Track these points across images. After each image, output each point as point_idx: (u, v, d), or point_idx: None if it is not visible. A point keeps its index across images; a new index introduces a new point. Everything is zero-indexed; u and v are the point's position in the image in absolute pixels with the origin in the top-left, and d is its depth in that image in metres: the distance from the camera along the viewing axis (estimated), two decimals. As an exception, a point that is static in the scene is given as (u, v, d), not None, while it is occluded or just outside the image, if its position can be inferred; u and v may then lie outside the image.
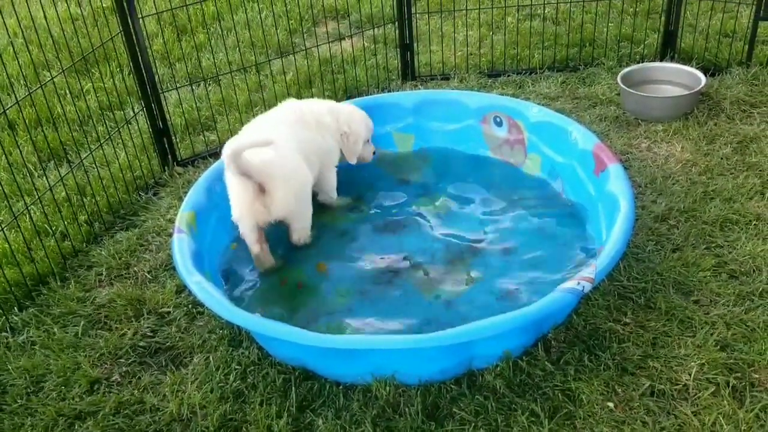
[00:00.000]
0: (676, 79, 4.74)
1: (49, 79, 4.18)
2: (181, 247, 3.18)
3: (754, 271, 3.30)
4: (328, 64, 5.34)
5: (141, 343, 3.25)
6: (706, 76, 4.61)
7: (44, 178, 4.29)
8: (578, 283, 2.81)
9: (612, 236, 3.04)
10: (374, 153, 4.08)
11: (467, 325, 2.72)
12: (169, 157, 4.49)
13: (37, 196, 3.87)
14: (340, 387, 2.91)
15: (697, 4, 5.35)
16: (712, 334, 2.99)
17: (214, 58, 5.57)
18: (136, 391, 3.01)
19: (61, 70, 4.11)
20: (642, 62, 4.99)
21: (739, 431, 2.62)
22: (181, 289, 3.49)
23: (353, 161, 3.95)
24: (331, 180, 3.89)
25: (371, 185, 4.10)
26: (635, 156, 4.20)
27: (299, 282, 3.47)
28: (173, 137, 4.53)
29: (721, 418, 2.66)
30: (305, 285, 3.44)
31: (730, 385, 2.78)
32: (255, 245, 3.46)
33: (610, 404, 2.75)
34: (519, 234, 3.62)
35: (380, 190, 4.07)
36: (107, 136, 4.36)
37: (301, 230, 3.59)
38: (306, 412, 2.84)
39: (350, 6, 6.13)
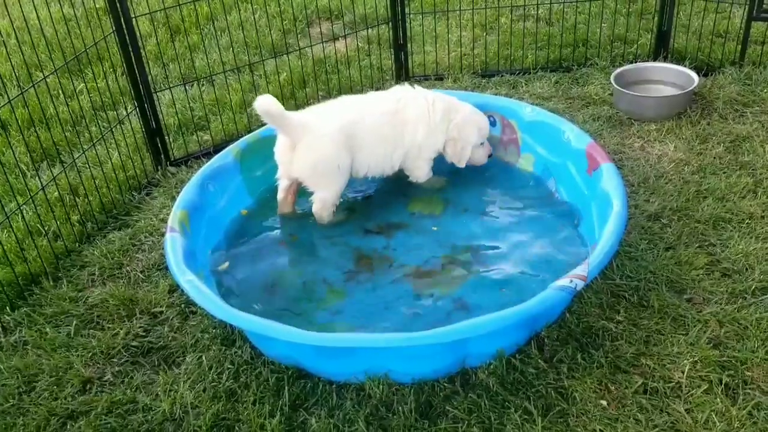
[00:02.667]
0: (668, 79, 4.75)
1: (41, 78, 4.16)
2: (173, 245, 3.17)
3: (746, 269, 3.31)
4: (322, 64, 5.34)
5: (133, 343, 3.23)
6: (699, 75, 4.63)
7: (37, 178, 4.27)
8: (571, 281, 2.81)
9: (605, 234, 3.04)
10: (490, 155, 4.07)
11: (461, 323, 2.72)
12: (162, 156, 4.48)
13: (29, 196, 3.85)
14: (334, 386, 2.91)
15: (690, 5, 5.36)
16: (704, 332, 3.00)
17: (207, 59, 5.56)
18: (128, 391, 2.99)
19: (53, 70, 4.10)
20: (635, 62, 5.00)
21: (731, 428, 2.63)
22: (174, 288, 3.48)
23: (461, 165, 3.97)
24: (419, 169, 3.97)
25: (364, 185, 4.09)
26: (628, 155, 4.21)
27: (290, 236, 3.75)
28: (166, 137, 4.52)
29: (713, 416, 2.67)
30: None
31: (723, 382, 2.79)
32: (281, 191, 3.84)
33: (603, 402, 2.76)
34: (512, 233, 3.62)
35: (373, 190, 4.07)
36: (100, 136, 4.35)
37: (319, 202, 3.72)
38: (299, 411, 2.83)
39: (344, 7, 6.13)
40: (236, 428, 2.79)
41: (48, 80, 5.13)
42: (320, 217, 3.75)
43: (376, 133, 3.75)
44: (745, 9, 4.83)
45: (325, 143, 3.62)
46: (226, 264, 3.44)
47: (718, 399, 2.73)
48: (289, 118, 3.59)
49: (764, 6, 4.66)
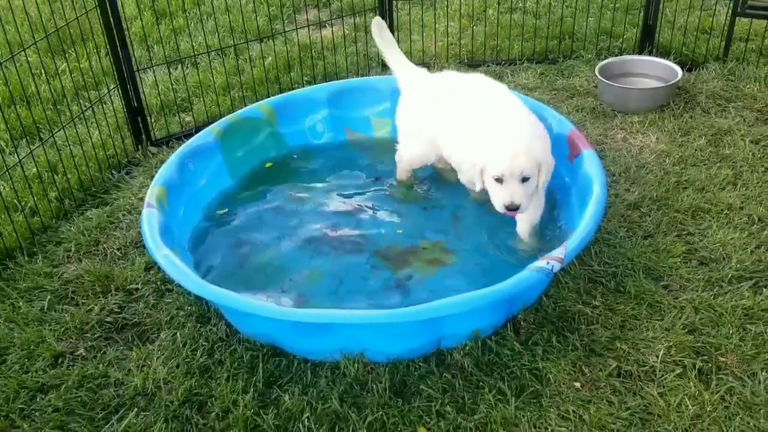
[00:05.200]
0: (653, 72, 4.77)
1: (18, 51, 4.10)
2: (150, 221, 3.15)
3: (724, 258, 3.32)
4: (307, 49, 5.31)
5: (108, 319, 3.20)
6: (683, 70, 4.64)
7: (15, 155, 4.22)
8: (548, 263, 2.81)
9: (583, 218, 3.05)
10: (513, 208, 3.10)
11: (437, 301, 2.71)
12: (143, 136, 4.45)
13: (5, 170, 3.80)
14: (309, 364, 2.89)
15: (676, 1, 5.39)
16: (680, 318, 3.00)
17: (192, 41, 5.52)
18: (100, 366, 2.97)
19: (33, 43, 4.06)
20: (620, 56, 5.02)
21: (704, 412, 2.63)
22: (150, 266, 3.45)
23: (474, 189, 3.31)
24: (460, 173, 3.57)
25: (348, 169, 4.08)
26: (610, 146, 4.22)
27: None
28: (148, 117, 4.48)
29: (686, 399, 2.67)
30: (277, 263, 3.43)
31: (697, 367, 2.80)
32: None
33: (577, 384, 2.76)
34: (491, 218, 3.61)
35: (357, 174, 4.05)
36: (80, 113, 4.31)
37: (396, 155, 3.87)
38: (273, 388, 2.82)
39: (332, -6, 6.11)
40: (209, 404, 2.77)
41: (30, 59, 5.08)
42: (396, 170, 3.87)
43: (448, 122, 3.57)
44: (729, 6, 4.85)
45: (407, 109, 3.78)
46: (225, 210, 3.61)
47: (692, 383, 2.73)
48: (400, 64, 3.88)
49: (749, 2, 4.68)
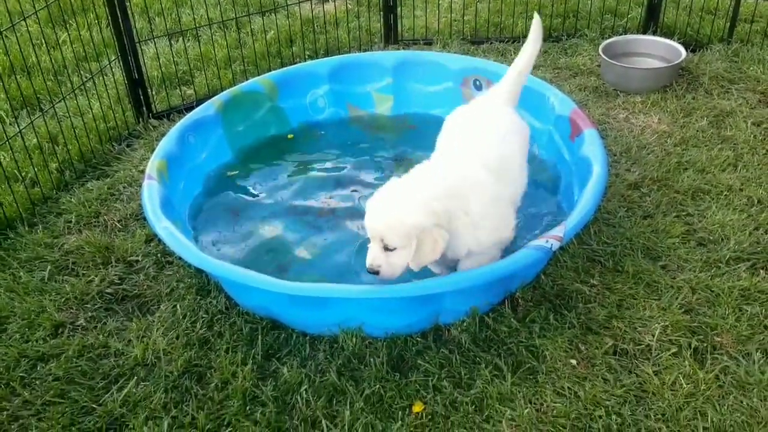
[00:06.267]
0: (656, 52, 4.75)
1: (20, 20, 4.07)
2: (150, 192, 3.16)
3: (722, 239, 3.33)
4: (309, 24, 5.29)
5: (108, 290, 3.22)
6: (687, 51, 4.62)
7: (16, 125, 4.21)
8: (547, 241, 2.83)
9: (583, 197, 3.05)
10: (372, 272, 2.73)
11: (436, 278, 2.73)
12: (144, 109, 4.44)
13: (6, 139, 3.80)
14: (307, 337, 2.92)
15: (682, -20, 5.35)
16: (677, 298, 3.02)
17: (193, 14, 5.48)
18: (101, 336, 2.99)
19: (34, 12, 4.04)
20: (624, 35, 4.99)
21: (698, 391, 2.66)
22: (151, 238, 3.46)
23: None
24: None
25: (346, 145, 4.08)
26: (612, 126, 4.21)
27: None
28: (149, 89, 4.47)
29: (681, 378, 2.70)
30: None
31: (692, 346, 2.82)
32: None
33: (573, 361, 2.78)
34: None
35: (355, 150, 4.05)
36: (81, 84, 4.30)
37: None
38: (271, 360, 2.84)
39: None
40: (208, 375, 2.80)
41: (30, 29, 5.06)
42: None
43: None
44: (735, -15, 4.82)
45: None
46: (236, 171, 3.70)
47: (687, 362, 2.75)
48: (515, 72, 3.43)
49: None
